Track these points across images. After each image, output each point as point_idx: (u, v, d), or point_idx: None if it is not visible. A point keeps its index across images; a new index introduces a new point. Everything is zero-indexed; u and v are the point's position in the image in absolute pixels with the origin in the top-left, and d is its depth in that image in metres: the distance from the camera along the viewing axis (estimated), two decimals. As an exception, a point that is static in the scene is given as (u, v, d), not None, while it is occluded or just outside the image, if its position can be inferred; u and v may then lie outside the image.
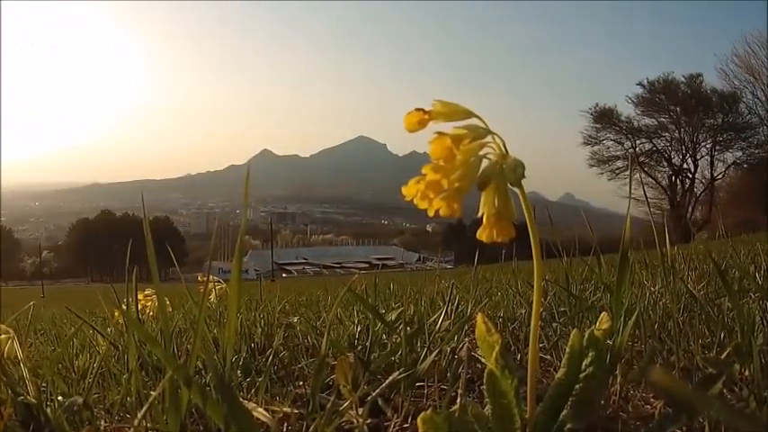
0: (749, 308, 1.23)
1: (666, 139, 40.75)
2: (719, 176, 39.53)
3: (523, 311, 1.66)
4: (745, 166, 38.80)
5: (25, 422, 0.92)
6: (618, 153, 41.04)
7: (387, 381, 1.00)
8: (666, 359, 1.13)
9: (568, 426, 0.78)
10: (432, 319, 1.39)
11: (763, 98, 36.28)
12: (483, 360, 0.88)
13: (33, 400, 0.93)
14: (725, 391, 0.96)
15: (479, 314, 0.87)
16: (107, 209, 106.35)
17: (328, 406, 0.86)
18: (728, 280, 1.22)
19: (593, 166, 41.42)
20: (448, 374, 1.13)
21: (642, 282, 1.67)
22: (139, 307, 1.57)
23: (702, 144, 39.75)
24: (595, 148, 41.45)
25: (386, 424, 0.99)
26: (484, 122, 0.76)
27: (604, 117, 40.94)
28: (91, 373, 1.11)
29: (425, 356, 1.12)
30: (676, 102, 39.94)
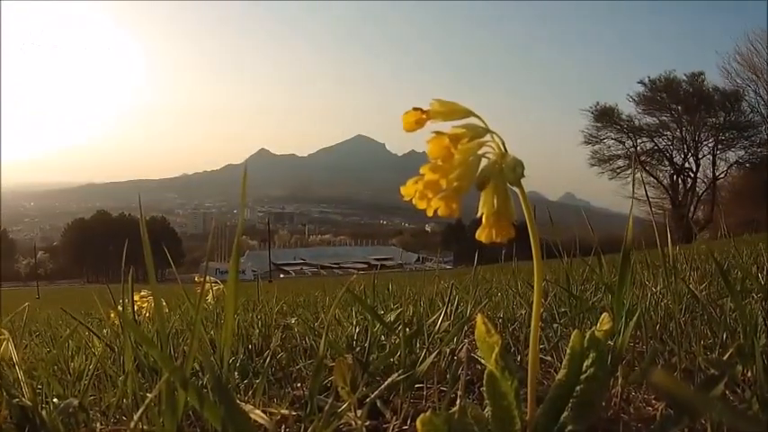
0: (752, 308, 1.22)
1: (668, 138, 40.65)
2: (721, 175, 39.43)
3: (523, 312, 1.66)
4: (747, 165, 38.65)
5: (20, 425, 0.92)
6: (619, 152, 40.96)
7: (385, 382, 1.00)
8: (668, 360, 1.13)
9: (569, 428, 0.78)
10: (431, 319, 1.39)
11: (766, 96, 36.19)
12: (483, 361, 0.88)
13: (28, 403, 0.93)
14: (727, 392, 0.96)
15: (479, 315, 0.87)
16: (103, 209, 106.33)
17: (326, 408, 0.86)
18: (731, 280, 1.22)
19: (593, 165, 41.31)
20: (447, 376, 1.12)
21: (644, 282, 1.66)
22: (136, 308, 1.56)
23: (704, 143, 39.62)
24: (596, 147, 41.36)
25: (385, 426, 0.99)
26: (483, 121, 0.76)
27: (605, 116, 40.76)
28: (87, 375, 1.10)
29: (424, 358, 1.12)
30: (678, 100, 39.75)
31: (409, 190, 0.74)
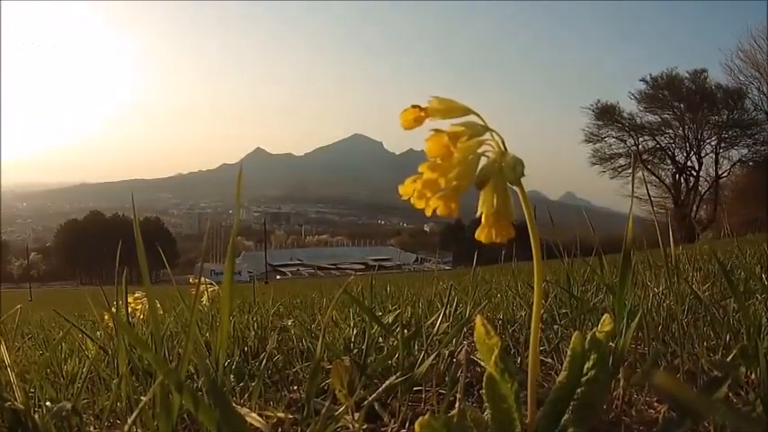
0: (755, 309, 1.22)
1: (670, 137, 40.31)
2: (724, 174, 39.07)
3: (524, 313, 1.65)
4: (750, 163, 38.31)
5: (12, 428, 0.92)
6: (620, 151, 40.57)
7: (383, 385, 1.00)
8: (670, 362, 1.12)
9: (570, 431, 0.78)
10: (429, 321, 1.39)
11: (770, 94, 36.04)
12: (482, 363, 0.87)
13: (21, 406, 0.92)
14: (730, 394, 0.96)
15: (478, 316, 0.87)
16: (96, 209, 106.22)
17: (323, 411, 0.86)
18: (734, 281, 1.21)
19: (594, 164, 40.97)
20: (446, 378, 1.12)
21: (645, 283, 1.65)
22: (129, 310, 1.55)
23: (707, 141, 39.29)
24: (597, 145, 41.02)
25: (383, 429, 0.99)
26: (482, 119, 0.75)
27: (606, 114, 40.46)
28: (80, 378, 1.10)
29: (423, 360, 1.12)
30: (680, 98, 39.47)
31: (407, 189, 0.73)
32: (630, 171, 38.56)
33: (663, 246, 1.30)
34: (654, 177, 39.47)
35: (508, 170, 0.72)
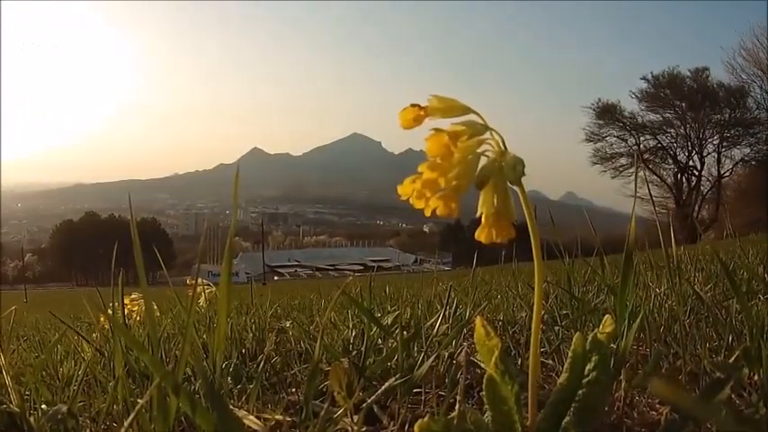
0: (758, 310, 1.21)
1: (672, 136, 40.12)
2: (727, 174, 38.81)
3: (524, 315, 1.65)
4: (753, 163, 37.99)
5: (8, 431, 0.90)
6: (621, 150, 40.37)
7: (383, 387, 0.99)
8: (673, 363, 1.12)
9: (571, 433, 0.76)
10: (429, 322, 1.39)
11: (772, 93, 35.84)
12: (482, 365, 0.87)
13: (16, 409, 0.93)
14: (733, 396, 0.95)
15: (478, 317, 0.87)
16: (92, 210, 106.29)
17: (322, 413, 0.86)
18: (737, 281, 1.21)
19: (595, 163, 40.79)
20: (446, 380, 1.12)
21: (647, 283, 1.65)
22: (126, 312, 1.55)
23: (709, 140, 39.07)
24: (598, 144, 40.81)
25: None
26: (482, 118, 0.75)
27: (607, 113, 40.28)
28: (76, 381, 1.10)
29: (422, 362, 1.12)
30: (682, 97, 39.27)
31: (406, 189, 0.73)
32: (632, 171, 38.38)
33: (664, 246, 1.29)
34: (655, 177, 39.40)
35: (508, 170, 0.72)
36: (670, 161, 40.29)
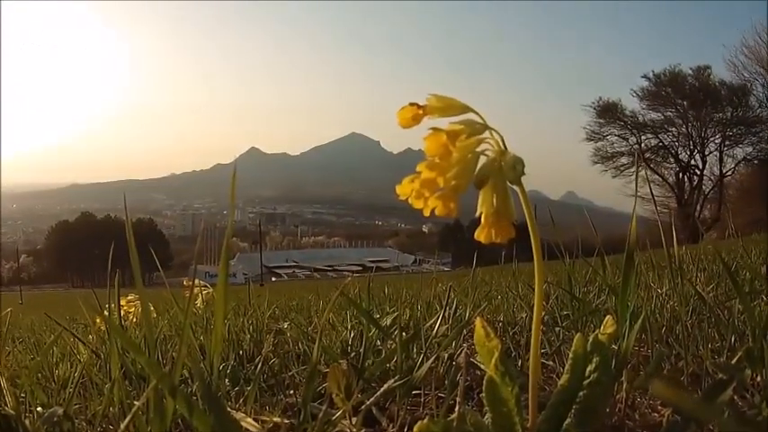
0: (761, 310, 1.20)
1: (673, 135, 39.79)
2: (729, 173, 38.48)
3: (524, 315, 1.64)
4: (755, 162, 37.68)
5: (3, 434, 0.90)
6: (622, 149, 40.03)
7: (382, 389, 0.99)
8: (674, 364, 1.11)
9: (572, 435, 0.76)
10: (428, 323, 1.38)
11: (774, 91, 35.65)
12: (482, 366, 0.87)
13: (12, 411, 0.92)
14: (736, 397, 0.94)
15: (478, 318, 0.86)
16: (87, 211, 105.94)
17: (320, 415, 0.85)
18: (739, 281, 1.20)
19: (596, 162, 40.43)
20: (445, 382, 1.11)
21: (649, 284, 1.65)
22: (122, 313, 1.54)
23: (711, 139, 38.74)
24: (599, 144, 40.48)
25: None
26: (481, 117, 0.75)
27: (608, 112, 39.98)
28: (72, 383, 1.09)
29: (422, 363, 1.11)
30: (683, 95, 38.95)
31: (405, 189, 0.72)
32: (633, 170, 38.08)
33: (666, 246, 1.29)
34: (657, 176, 39.09)
35: (508, 169, 0.71)
36: (671, 160, 40.08)
